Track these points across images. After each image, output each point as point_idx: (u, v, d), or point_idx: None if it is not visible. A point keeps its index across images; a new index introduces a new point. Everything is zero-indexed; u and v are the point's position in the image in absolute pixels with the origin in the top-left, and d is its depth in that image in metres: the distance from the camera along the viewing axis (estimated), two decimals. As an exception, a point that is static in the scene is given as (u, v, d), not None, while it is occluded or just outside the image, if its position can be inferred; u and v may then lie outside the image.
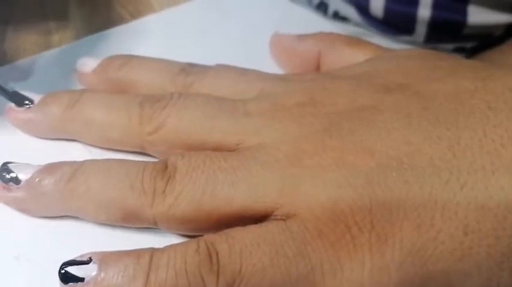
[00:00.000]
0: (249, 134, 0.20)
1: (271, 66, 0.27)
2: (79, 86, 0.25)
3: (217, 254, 0.17)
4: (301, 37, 0.26)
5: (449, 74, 0.20)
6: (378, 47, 0.25)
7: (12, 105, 0.23)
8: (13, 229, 0.20)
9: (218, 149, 0.20)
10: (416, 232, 0.17)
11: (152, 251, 0.18)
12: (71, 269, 0.18)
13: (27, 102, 0.23)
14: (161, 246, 0.18)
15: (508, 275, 0.17)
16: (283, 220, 0.18)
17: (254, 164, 0.19)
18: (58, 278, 0.18)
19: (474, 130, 0.18)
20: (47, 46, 0.28)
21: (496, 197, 0.17)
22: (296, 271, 0.17)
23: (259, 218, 0.19)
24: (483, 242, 0.17)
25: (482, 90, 0.19)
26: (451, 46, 0.31)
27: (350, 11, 0.31)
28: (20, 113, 0.23)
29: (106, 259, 0.18)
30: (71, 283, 0.18)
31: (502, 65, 0.27)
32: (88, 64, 0.25)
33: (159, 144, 0.21)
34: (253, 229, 0.18)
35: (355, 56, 0.24)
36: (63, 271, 0.18)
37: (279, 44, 0.27)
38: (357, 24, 0.31)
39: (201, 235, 0.19)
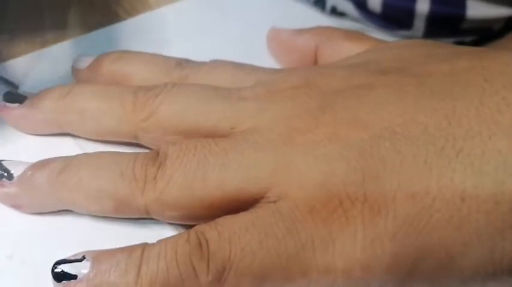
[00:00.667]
0: (243, 118, 0.20)
1: (269, 63, 0.27)
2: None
3: (207, 242, 0.17)
4: (299, 31, 0.26)
5: (447, 58, 0.20)
6: (376, 40, 0.25)
7: (5, 102, 0.23)
8: (6, 228, 0.20)
9: (212, 135, 0.20)
10: (410, 202, 0.17)
11: (144, 245, 0.18)
12: (64, 267, 0.18)
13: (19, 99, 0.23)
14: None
15: (511, 246, 0.17)
16: (274, 202, 0.18)
17: (246, 146, 0.19)
18: (51, 277, 0.18)
19: (470, 100, 0.18)
20: (43, 44, 0.27)
21: (494, 161, 0.17)
22: (286, 250, 0.17)
23: (252, 202, 0.18)
24: (481, 208, 0.16)
25: (479, 67, 0.19)
26: (450, 40, 0.30)
27: (348, 6, 0.31)
28: (13, 109, 0.23)
29: (99, 256, 0.18)
30: (64, 281, 0.17)
31: (499, 47, 0.27)
32: (83, 61, 0.25)
33: (153, 130, 0.21)
34: (242, 215, 0.18)
35: (353, 50, 0.24)
36: (56, 270, 0.18)
37: (277, 38, 0.27)
38: (354, 20, 0.31)
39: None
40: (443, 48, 0.22)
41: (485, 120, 0.17)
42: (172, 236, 0.18)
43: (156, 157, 0.19)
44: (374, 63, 0.21)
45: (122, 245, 0.18)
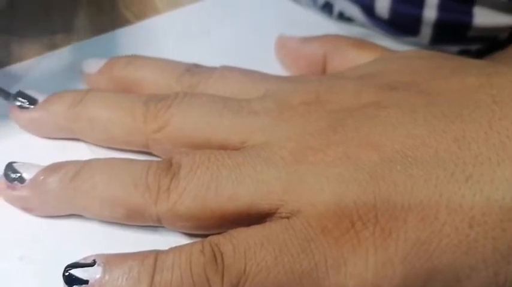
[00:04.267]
0: (254, 133, 0.20)
1: (276, 68, 0.27)
2: (84, 87, 0.25)
3: (222, 254, 0.17)
4: (307, 40, 0.26)
5: (454, 72, 0.21)
6: (384, 48, 0.25)
7: (17, 104, 0.23)
8: (18, 229, 0.20)
9: (223, 147, 0.20)
10: (420, 225, 0.17)
11: (157, 253, 0.18)
12: (75, 272, 0.18)
13: (31, 102, 0.23)
14: (166, 247, 0.18)
15: None
16: (287, 218, 0.18)
17: (259, 161, 0.19)
18: (62, 280, 0.18)
19: (479, 123, 0.18)
20: (51, 47, 0.28)
21: (502, 188, 0.17)
22: (300, 268, 0.17)
23: (263, 215, 0.19)
24: (489, 235, 0.17)
25: (487, 85, 0.19)
26: (456, 48, 0.30)
27: (355, 12, 0.31)
28: (24, 112, 0.23)
29: (110, 261, 0.18)
30: (75, 286, 0.18)
31: (506, 62, 0.27)
32: (94, 64, 0.25)
33: (164, 142, 0.21)
34: (256, 229, 0.18)
35: (361, 58, 0.24)
36: (67, 274, 0.18)
37: (284, 46, 0.27)
38: (362, 25, 0.31)
39: (206, 235, 0.19)
40: (451, 61, 0.22)
41: (494, 145, 0.18)
42: (185, 245, 0.18)
43: (169, 166, 0.20)
44: (383, 75, 0.22)
45: (133, 249, 0.19)
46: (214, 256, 0.17)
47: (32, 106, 0.23)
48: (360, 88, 0.21)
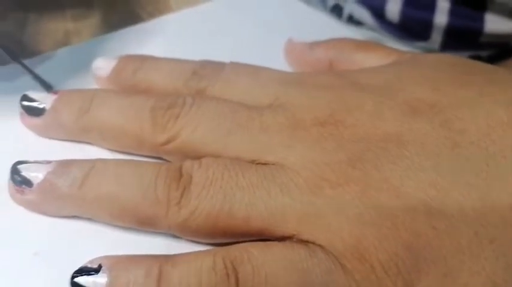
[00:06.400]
0: (266, 153, 0.20)
1: (287, 66, 0.27)
2: (94, 83, 0.25)
3: (236, 275, 0.17)
4: (312, 45, 0.25)
5: (481, 96, 0.19)
6: (391, 49, 0.24)
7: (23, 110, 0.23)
8: (33, 225, 0.20)
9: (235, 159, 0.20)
10: (442, 281, 0.17)
11: (161, 263, 0.17)
12: (80, 280, 0.17)
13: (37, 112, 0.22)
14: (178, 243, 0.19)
15: None
16: (305, 243, 0.17)
17: (273, 186, 0.18)
18: None
19: (506, 180, 0.17)
20: (65, 43, 0.28)
21: None
22: None
23: (277, 239, 0.18)
24: None
25: None
26: (466, 54, 0.30)
27: (365, 15, 0.31)
28: (34, 120, 0.22)
29: (116, 267, 0.17)
30: None
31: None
32: (103, 68, 0.25)
33: (174, 153, 0.21)
34: (279, 248, 0.17)
35: (368, 60, 0.24)
36: (73, 281, 0.17)
37: (293, 52, 0.26)
38: (371, 29, 0.31)
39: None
40: (477, 74, 0.21)
41: None
42: (193, 257, 0.17)
43: (179, 176, 0.19)
44: (403, 88, 0.20)
45: (147, 245, 0.19)
46: (227, 275, 0.16)
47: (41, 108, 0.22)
48: (379, 108, 0.20)
